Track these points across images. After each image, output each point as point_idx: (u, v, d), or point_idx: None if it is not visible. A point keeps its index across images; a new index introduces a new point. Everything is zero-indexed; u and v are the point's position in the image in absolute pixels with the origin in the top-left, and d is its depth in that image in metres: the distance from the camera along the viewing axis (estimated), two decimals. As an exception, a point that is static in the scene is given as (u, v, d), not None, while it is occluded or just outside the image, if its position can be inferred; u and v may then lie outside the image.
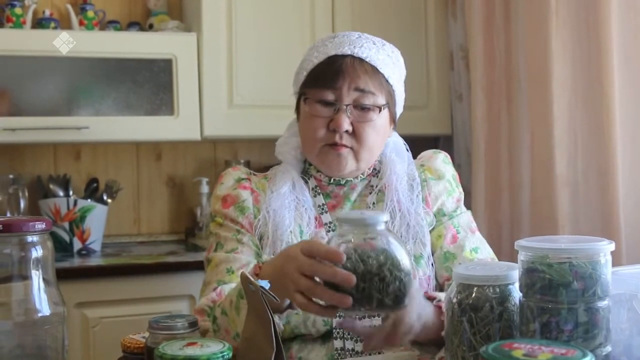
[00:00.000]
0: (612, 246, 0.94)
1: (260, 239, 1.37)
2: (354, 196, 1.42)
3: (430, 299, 1.18)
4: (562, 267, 0.92)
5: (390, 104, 1.41)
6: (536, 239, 0.98)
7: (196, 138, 2.55)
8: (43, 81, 2.38)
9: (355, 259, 0.95)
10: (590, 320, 0.92)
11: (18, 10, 2.51)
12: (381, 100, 1.37)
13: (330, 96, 1.35)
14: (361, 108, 1.36)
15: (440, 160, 1.49)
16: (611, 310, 0.95)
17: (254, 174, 1.48)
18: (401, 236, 1.36)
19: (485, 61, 2.55)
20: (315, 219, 1.38)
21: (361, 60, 1.35)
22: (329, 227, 1.38)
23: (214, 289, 1.32)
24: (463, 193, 1.49)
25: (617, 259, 0.97)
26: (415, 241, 1.36)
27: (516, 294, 1.00)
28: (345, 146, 1.36)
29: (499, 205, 2.49)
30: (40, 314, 0.95)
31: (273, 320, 0.89)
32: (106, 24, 2.69)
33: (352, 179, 1.43)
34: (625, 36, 2.05)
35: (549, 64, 2.22)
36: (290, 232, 1.34)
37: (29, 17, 2.53)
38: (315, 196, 1.41)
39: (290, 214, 1.36)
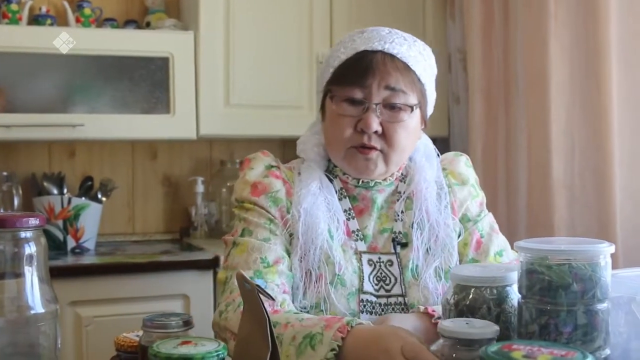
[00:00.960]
0: (612, 248, 0.93)
1: (289, 237, 1.29)
2: (380, 201, 1.34)
3: (430, 315, 1.16)
4: (562, 269, 0.91)
5: (422, 103, 1.32)
6: (536, 240, 0.97)
7: (192, 137, 2.54)
8: (38, 78, 2.37)
9: None
10: (590, 322, 0.91)
11: (14, 7, 2.50)
12: (413, 99, 1.28)
13: (358, 94, 1.27)
14: (391, 107, 1.27)
15: (463, 163, 1.42)
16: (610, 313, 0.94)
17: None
18: (430, 249, 1.30)
19: (483, 64, 2.54)
20: (343, 223, 1.30)
21: (392, 56, 1.26)
22: (357, 235, 1.31)
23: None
24: (485, 196, 1.43)
25: (613, 262, 0.96)
26: (444, 254, 1.30)
27: (514, 296, 0.99)
28: (374, 148, 1.28)
29: (496, 208, 2.48)
30: (33, 312, 0.93)
31: (269, 319, 0.88)
32: (103, 22, 2.68)
33: (380, 181, 1.34)
34: (623, 40, 2.06)
35: (547, 67, 2.21)
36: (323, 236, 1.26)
37: (25, 14, 2.52)
38: (340, 199, 1.33)
39: (323, 215, 1.28)
